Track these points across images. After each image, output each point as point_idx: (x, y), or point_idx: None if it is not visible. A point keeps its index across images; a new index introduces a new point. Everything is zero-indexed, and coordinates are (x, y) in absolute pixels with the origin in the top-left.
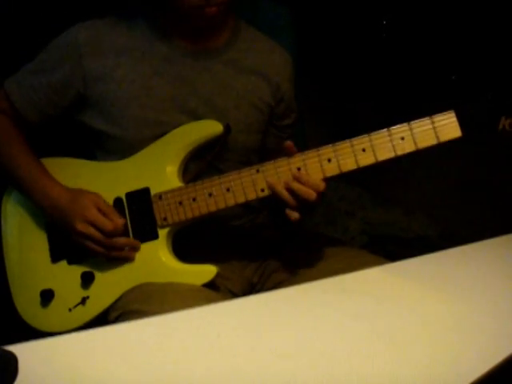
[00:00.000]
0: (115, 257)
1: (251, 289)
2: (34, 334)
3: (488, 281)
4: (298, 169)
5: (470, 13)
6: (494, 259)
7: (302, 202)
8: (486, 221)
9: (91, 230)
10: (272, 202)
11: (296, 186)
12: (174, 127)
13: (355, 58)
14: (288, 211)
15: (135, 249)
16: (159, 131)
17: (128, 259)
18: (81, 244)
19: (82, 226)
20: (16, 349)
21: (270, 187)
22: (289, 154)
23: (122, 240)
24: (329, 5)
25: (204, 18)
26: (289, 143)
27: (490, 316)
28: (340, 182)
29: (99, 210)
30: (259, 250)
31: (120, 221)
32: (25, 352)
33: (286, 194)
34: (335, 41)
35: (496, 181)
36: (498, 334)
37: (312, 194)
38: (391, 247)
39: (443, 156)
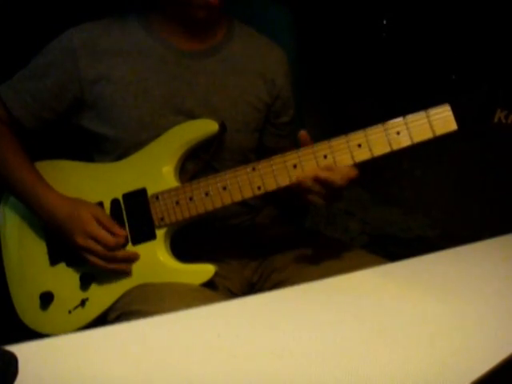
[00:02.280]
0: (114, 269)
1: (251, 288)
2: (34, 334)
3: (488, 281)
4: (294, 166)
5: (470, 12)
6: (494, 259)
7: (330, 190)
8: (485, 221)
9: (92, 244)
10: (277, 197)
11: (326, 174)
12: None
13: (355, 58)
14: (311, 197)
15: (134, 260)
16: (156, 133)
17: (125, 270)
18: (81, 256)
19: (82, 241)
20: (16, 349)
21: (299, 180)
22: (304, 143)
23: (121, 253)
24: (329, 4)
25: (206, 8)
26: (303, 133)
27: (490, 316)
28: None
29: (99, 222)
30: (258, 250)
31: (122, 232)
32: (25, 352)
33: (316, 187)
34: (335, 40)
35: (496, 180)
36: (499, 333)
37: (340, 181)
38: (391, 247)
39: (443, 156)
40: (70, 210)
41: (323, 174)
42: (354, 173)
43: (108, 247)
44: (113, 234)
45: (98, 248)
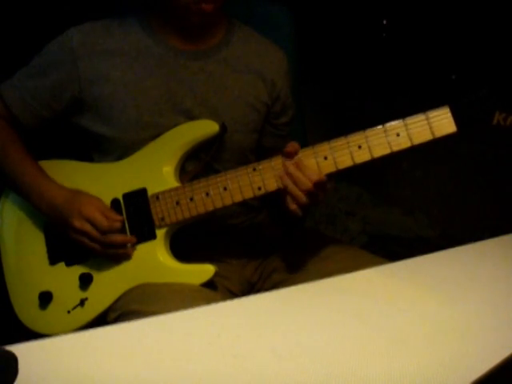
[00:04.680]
0: (112, 254)
1: (251, 288)
2: (33, 334)
3: (488, 281)
4: None
5: (470, 13)
6: (494, 259)
7: (304, 192)
8: (486, 221)
9: (87, 227)
10: (273, 199)
11: (297, 173)
12: (171, 128)
13: (355, 58)
14: (291, 204)
15: (131, 245)
16: (156, 132)
17: (125, 257)
18: (77, 241)
19: (78, 223)
20: (16, 349)
21: (280, 179)
22: (290, 156)
23: (118, 237)
24: (329, 4)
25: (200, 14)
26: (293, 145)
27: (490, 316)
28: (340, 181)
29: (95, 206)
30: (258, 250)
31: (116, 217)
32: (25, 352)
33: (290, 184)
34: (335, 40)
35: (496, 181)
36: (498, 334)
37: (309, 184)
38: (391, 247)
39: (443, 156)
40: (69, 196)
41: (296, 173)
42: (322, 176)
43: (102, 230)
44: (108, 218)
45: (94, 231)
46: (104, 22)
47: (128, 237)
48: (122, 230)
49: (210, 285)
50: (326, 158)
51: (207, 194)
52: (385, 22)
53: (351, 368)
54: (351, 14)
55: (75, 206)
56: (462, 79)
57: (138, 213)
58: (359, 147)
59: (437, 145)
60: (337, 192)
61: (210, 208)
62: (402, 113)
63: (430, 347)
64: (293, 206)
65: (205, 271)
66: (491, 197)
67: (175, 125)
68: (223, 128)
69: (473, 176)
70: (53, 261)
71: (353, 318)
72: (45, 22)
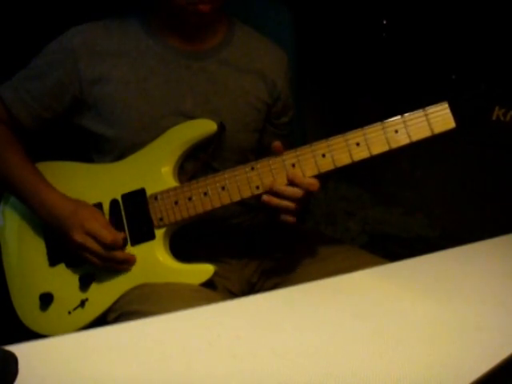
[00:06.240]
0: (111, 268)
1: (251, 288)
2: (34, 334)
3: (488, 281)
4: (293, 165)
5: (470, 12)
6: (494, 259)
7: (298, 203)
8: (486, 221)
9: (89, 241)
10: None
11: (290, 190)
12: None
13: (355, 58)
14: (283, 217)
15: (131, 262)
16: (156, 133)
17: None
18: (78, 254)
19: (80, 237)
20: (16, 349)
21: (268, 202)
22: (277, 153)
23: (118, 254)
24: (329, 4)
25: (197, 14)
26: (276, 144)
27: (491, 316)
28: (340, 182)
29: (99, 222)
30: (258, 250)
31: (119, 234)
32: (25, 352)
33: (283, 203)
34: (336, 40)
35: (496, 181)
36: (499, 333)
37: (299, 193)
38: (391, 247)
39: (443, 156)
40: (71, 209)
41: (286, 190)
42: (317, 185)
43: (105, 245)
44: (111, 233)
45: (96, 246)
46: (104, 23)
47: (129, 255)
48: (121, 231)
49: (209, 285)
50: (324, 156)
51: (205, 194)
52: (385, 21)
53: (351, 368)
54: (351, 14)
55: (77, 219)
56: (462, 79)
57: (136, 213)
58: (357, 144)
59: (437, 144)
60: (337, 192)
61: (209, 208)
62: (402, 113)
63: (430, 347)
64: (284, 217)
65: (204, 271)
66: (491, 197)
67: (175, 125)
68: (221, 127)
69: (473, 176)
70: (53, 262)
71: (353, 318)
72: (45, 22)
